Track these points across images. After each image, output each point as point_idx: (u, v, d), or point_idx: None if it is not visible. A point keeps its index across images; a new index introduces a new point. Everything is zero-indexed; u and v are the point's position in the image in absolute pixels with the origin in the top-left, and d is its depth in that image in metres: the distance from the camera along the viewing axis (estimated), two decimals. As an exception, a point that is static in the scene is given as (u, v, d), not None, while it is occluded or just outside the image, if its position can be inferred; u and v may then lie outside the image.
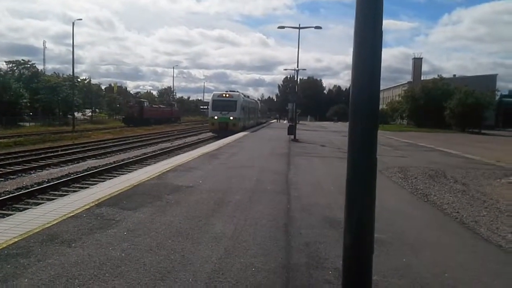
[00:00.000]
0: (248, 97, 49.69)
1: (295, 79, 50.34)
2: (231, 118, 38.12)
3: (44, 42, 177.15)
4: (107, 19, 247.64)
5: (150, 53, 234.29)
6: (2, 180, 14.91)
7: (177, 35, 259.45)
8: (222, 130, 37.40)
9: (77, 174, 15.80)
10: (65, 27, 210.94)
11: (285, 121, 68.69)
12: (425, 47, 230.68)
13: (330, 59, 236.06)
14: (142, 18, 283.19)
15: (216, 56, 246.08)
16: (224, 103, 38.62)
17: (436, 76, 77.38)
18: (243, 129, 40.55)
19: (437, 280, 4.91)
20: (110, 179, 11.13)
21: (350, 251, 2.71)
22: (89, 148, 26.86)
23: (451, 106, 58.71)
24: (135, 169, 13.03)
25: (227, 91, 41.77)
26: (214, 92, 42.24)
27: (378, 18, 2.56)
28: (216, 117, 38.46)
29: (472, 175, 14.08)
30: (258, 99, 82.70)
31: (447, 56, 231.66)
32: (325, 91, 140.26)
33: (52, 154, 22.62)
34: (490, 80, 75.85)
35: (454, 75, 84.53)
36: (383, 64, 2.65)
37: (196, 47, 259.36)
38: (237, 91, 42.44)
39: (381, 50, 2.59)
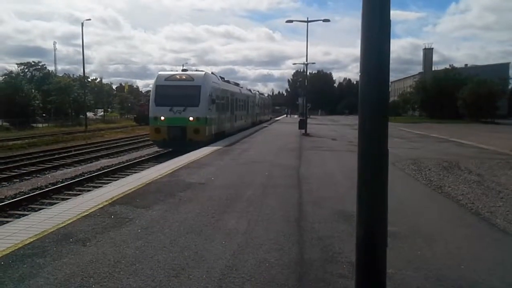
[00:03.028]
0: (228, 81, 30.67)
1: (305, 73, 49.03)
2: (191, 119, 21.13)
3: (54, 43, 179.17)
4: (113, 18, 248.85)
5: (157, 51, 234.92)
6: (17, 181, 15.10)
7: (183, 32, 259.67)
8: (175, 141, 21.30)
9: (91, 174, 15.94)
10: (71, 27, 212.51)
11: (296, 116, 68.39)
12: (434, 37, 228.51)
13: (338, 52, 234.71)
14: (147, 16, 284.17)
15: (224, 53, 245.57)
16: (177, 92, 21.60)
17: (447, 66, 76.69)
18: (218, 137, 23.59)
19: (452, 272, 4.86)
20: (123, 177, 11.21)
21: (363, 245, 2.70)
22: (102, 147, 27.10)
23: (463, 96, 58.12)
24: (148, 167, 13.14)
25: (185, 70, 25.02)
26: (160, 73, 23.24)
27: (385, 9, 2.53)
28: (162, 118, 21.38)
29: (487, 165, 13.91)
30: (264, 94, 65.97)
31: (456, 45, 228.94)
32: (335, 85, 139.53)
33: (65, 154, 22.87)
34: (502, 69, 74.83)
35: (466, 65, 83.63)
36: (392, 55, 2.62)
37: (203, 44, 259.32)
38: (203, 71, 24.13)
39: (389, 41, 2.56)
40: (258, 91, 51.79)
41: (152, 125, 22.00)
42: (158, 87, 22.29)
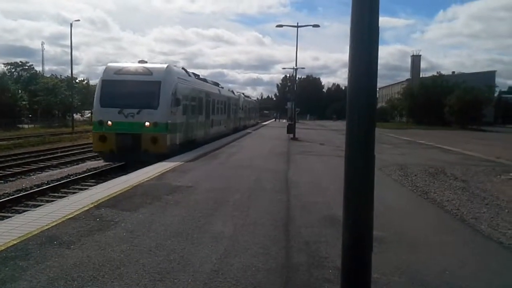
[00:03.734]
0: (204, 80, 26.44)
1: (294, 77, 48.97)
2: (147, 124, 16.48)
3: (42, 44, 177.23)
4: (101, 19, 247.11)
5: (146, 53, 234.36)
6: (1, 183, 14.87)
7: (172, 35, 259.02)
8: (126, 152, 16.69)
9: (77, 176, 15.77)
10: (59, 27, 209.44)
11: (284, 121, 68.54)
12: (422, 44, 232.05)
13: (327, 57, 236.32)
14: (136, 18, 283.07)
15: (213, 56, 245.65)
16: (130, 89, 16.85)
17: (434, 73, 77.59)
18: (186, 147, 19.01)
19: (437, 278, 4.89)
20: (109, 180, 11.12)
21: (349, 249, 2.70)
22: (89, 149, 26.82)
23: (450, 103, 58.85)
24: (135, 170, 13.03)
25: (142, 60, 18.82)
26: (109, 65, 18.17)
27: (374, 15, 2.55)
28: (109, 123, 16.65)
29: (472, 172, 14.07)
30: (250, 97, 61.45)
31: (444, 53, 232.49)
32: (324, 90, 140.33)
33: (51, 155, 22.59)
34: (489, 76, 76.00)
35: (453, 72, 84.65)
36: (380, 61, 2.64)
37: (192, 47, 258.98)
38: (167, 64, 18.29)
39: (377, 48, 2.58)
40: (243, 93, 48.88)
41: (95, 132, 17.07)
42: (104, 82, 17.24)
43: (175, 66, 20.60)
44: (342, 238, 2.73)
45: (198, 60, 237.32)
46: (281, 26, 33.13)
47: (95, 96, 17.56)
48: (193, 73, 23.62)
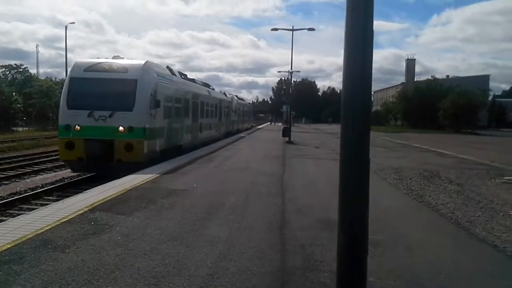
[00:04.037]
0: (193, 80, 24.82)
1: (289, 81, 48.86)
2: (122, 129, 14.50)
3: (37, 46, 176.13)
4: (97, 22, 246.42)
5: (141, 56, 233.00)
6: (-5, 186, 14.79)
7: (167, 37, 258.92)
8: (97, 161, 14.57)
9: (72, 179, 15.69)
10: (54, 30, 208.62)
11: (280, 124, 68.59)
12: (416, 48, 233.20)
13: (322, 60, 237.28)
14: (132, 21, 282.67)
15: (208, 59, 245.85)
16: (101, 89, 14.96)
17: (429, 77, 78.08)
18: (169, 154, 16.95)
19: (432, 281, 4.90)
20: (104, 183, 11.08)
21: (345, 253, 2.71)
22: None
23: (444, 106, 59.14)
24: (130, 173, 12.97)
25: (117, 56, 16.99)
26: (78, 61, 16.37)
27: (368, 19, 2.56)
28: (77, 128, 14.68)
29: (467, 175, 14.13)
30: (244, 99, 59.15)
31: (438, 57, 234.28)
32: (319, 93, 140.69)
33: (46, 159, 22.48)
34: (483, 80, 76.55)
35: (447, 76, 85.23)
36: (374, 65, 2.66)
37: (188, 50, 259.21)
38: (145, 61, 16.13)
39: (372, 51, 2.59)
40: (236, 96, 47.28)
41: (61, 138, 14.82)
42: (72, 81, 15.16)
43: (168, 67, 19.63)
44: (338, 241, 2.74)
45: (194, 63, 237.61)
46: (276, 29, 33.33)
47: (61, 96, 15.45)
48: (179, 72, 22.03)
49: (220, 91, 37.28)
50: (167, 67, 19.95)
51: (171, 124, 17.72)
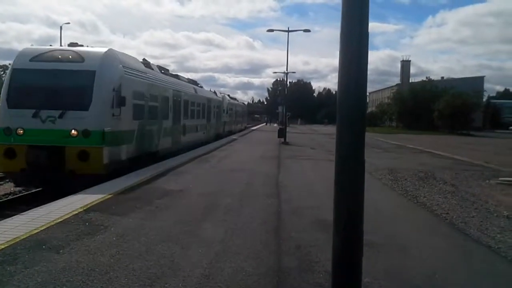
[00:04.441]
0: (176, 76, 22.88)
1: (285, 82, 48.65)
2: (74, 133, 11.55)
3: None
4: (91, 22, 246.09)
5: (136, 57, 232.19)
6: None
7: (163, 38, 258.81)
8: (43, 172, 11.44)
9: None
10: (48, 30, 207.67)
11: (275, 125, 68.59)
12: (411, 49, 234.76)
13: (318, 61, 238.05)
14: (127, 21, 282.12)
15: (204, 60, 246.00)
16: (50, 83, 12.06)
17: (424, 79, 78.37)
18: (141, 162, 14.33)
19: (427, 282, 4.92)
20: (99, 183, 11.00)
21: (340, 254, 2.71)
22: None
23: (439, 108, 59.34)
24: (125, 173, 12.91)
25: (73, 43, 13.79)
26: (24, 49, 13.13)
27: (364, 21, 2.57)
28: (20, 132, 11.66)
29: (461, 176, 14.19)
30: (237, 99, 56.87)
31: (433, 58, 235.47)
32: (314, 94, 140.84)
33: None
34: (477, 82, 76.90)
35: (442, 77, 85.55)
36: (370, 66, 2.66)
37: (183, 50, 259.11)
38: (107, 48, 13.26)
39: (367, 52, 2.60)
40: (228, 95, 44.85)
41: (0, 144, 11.71)
42: (15, 73, 12.34)
43: (145, 60, 17.10)
44: (333, 242, 2.74)
45: (189, 63, 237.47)
46: (272, 30, 33.29)
47: (1, 92, 12.42)
48: (159, 66, 19.46)
49: (210, 90, 35.31)
50: (144, 59, 17.71)
51: (143, 127, 14.96)
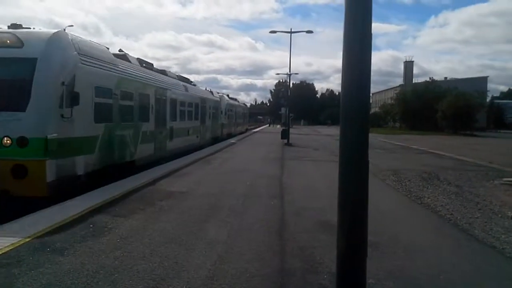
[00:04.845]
0: (164, 72, 20.00)
1: (287, 83, 48.27)
2: (7, 141, 8.53)
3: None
4: (94, 24, 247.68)
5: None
6: None
7: (165, 40, 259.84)
8: None
9: None
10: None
11: (278, 126, 68.56)
12: (414, 50, 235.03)
13: (320, 63, 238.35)
14: (129, 23, 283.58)
15: (206, 61, 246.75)
16: None
17: (427, 79, 78.20)
18: (104, 178, 11.19)
19: (431, 283, 4.90)
20: (101, 186, 11.01)
21: (344, 255, 2.71)
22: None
23: (442, 108, 59.16)
24: (128, 176, 12.92)
25: (15, 24, 10.25)
26: None
27: (367, 21, 2.57)
28: None
29: (465, 177, 14.14)
30: (237, 100, 52.69)
31: (436, 58, 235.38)
32: (317, 95, 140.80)
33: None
34: (481, 82, 76.68)
35: (446, 78, 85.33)
36: (372, 67, 2.66)
37: (186, 52, 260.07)
38: (55, 31, 9.92)
39: (370, 53, 2.60)
40: (227, 95, 42.15)
41: None
42: None
43: (113, 53, 13.64)
44: (337, 243, 2.74)
45: (192, 65, 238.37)
46: (274, 32, 33.22)
47: None
48: (139, 59, 16.47)
49: (206, 89, 32.38)
50: (120, 50, 15.29)
51: (111, 131, 12.05)
